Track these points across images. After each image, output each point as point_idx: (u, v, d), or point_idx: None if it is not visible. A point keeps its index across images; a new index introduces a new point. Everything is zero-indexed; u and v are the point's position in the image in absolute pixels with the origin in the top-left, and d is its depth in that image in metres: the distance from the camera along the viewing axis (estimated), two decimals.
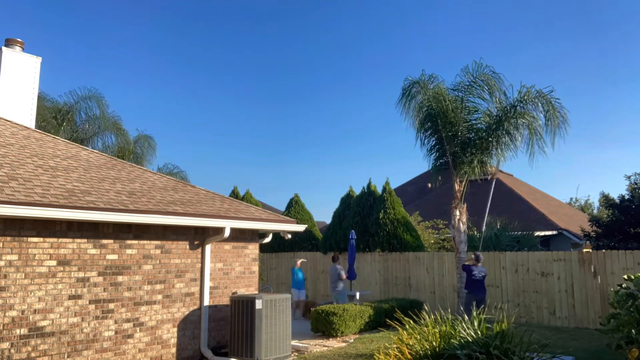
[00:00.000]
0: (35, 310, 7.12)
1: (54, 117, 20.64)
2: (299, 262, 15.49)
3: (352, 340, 11.07)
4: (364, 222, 17.43)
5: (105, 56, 59.48)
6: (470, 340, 6.37)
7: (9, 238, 6.97)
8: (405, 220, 17.14)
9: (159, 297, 8.56)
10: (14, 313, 6.92)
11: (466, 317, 7.32)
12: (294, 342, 10.25)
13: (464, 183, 14.26)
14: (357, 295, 14.67)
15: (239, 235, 9.89)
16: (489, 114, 14.10)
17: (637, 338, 6.63)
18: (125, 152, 21.68)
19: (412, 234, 16.90)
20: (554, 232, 20.69)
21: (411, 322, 7.41)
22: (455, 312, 14.13)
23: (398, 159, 69.43)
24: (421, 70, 16.90)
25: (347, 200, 18.55)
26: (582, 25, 58.56)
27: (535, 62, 63.39)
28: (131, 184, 9.28)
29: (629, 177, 18.97)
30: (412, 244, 16.59)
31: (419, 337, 6.84)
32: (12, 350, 6.83)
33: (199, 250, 9.26)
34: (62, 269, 7.44)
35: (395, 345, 7.05)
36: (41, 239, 7.27)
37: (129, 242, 8.26)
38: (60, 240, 7.46)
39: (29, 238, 7.16)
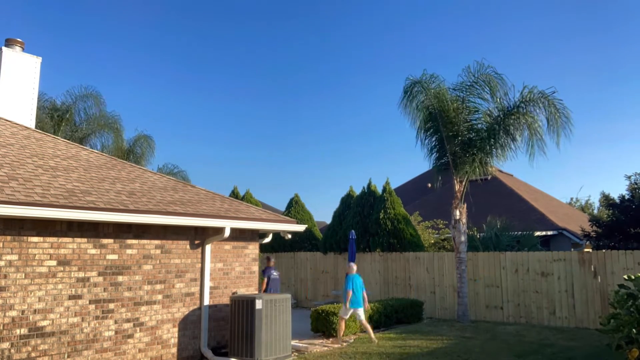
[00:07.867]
0: (35, 310, 7.12)
1: (50, 116, 20.56)
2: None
3: (352, 340, 11.07)
4: (364, 222, 17.43)
5: (105, 55, 59.54)
6: None
7: (9, 238, 6.97)
8: (406, 220, 17.15)
9: (159, 297, 8.56)
10: (14, 313, 6.92)
11: None
12: (294, 342, 10.25)
13: (464, 183, 14.27)
14: None
15: (239, 235, 9.90)
16: (489, 114, 14.11)
17: (637, 338, 6.63)
18: (120, 152, 21.57)
19: (412, 234, 16.91)
20: (554, 232, 20.67)
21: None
22: (455, 311, 14.16)
23: (398, 159, 69.49)
24: (422, 70, 16.79)
25: (348, 200, 18.55)
26: (582, 23, 58.64)
27: (535, 61, 63.46)
28: (131, 184, 9.28)
29: (629, 177, 19.03)
30: (412, 244, 16.60)
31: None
32: (12, 350, 6.83)
33: (199, 250, 9.26)
34: (62, 269, 7.44)
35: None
36: (41, 239, 7.27)
37: (129, 242, 8.26)
38: (60, 240, 7.46)
39: (29, 238, 7.16)
